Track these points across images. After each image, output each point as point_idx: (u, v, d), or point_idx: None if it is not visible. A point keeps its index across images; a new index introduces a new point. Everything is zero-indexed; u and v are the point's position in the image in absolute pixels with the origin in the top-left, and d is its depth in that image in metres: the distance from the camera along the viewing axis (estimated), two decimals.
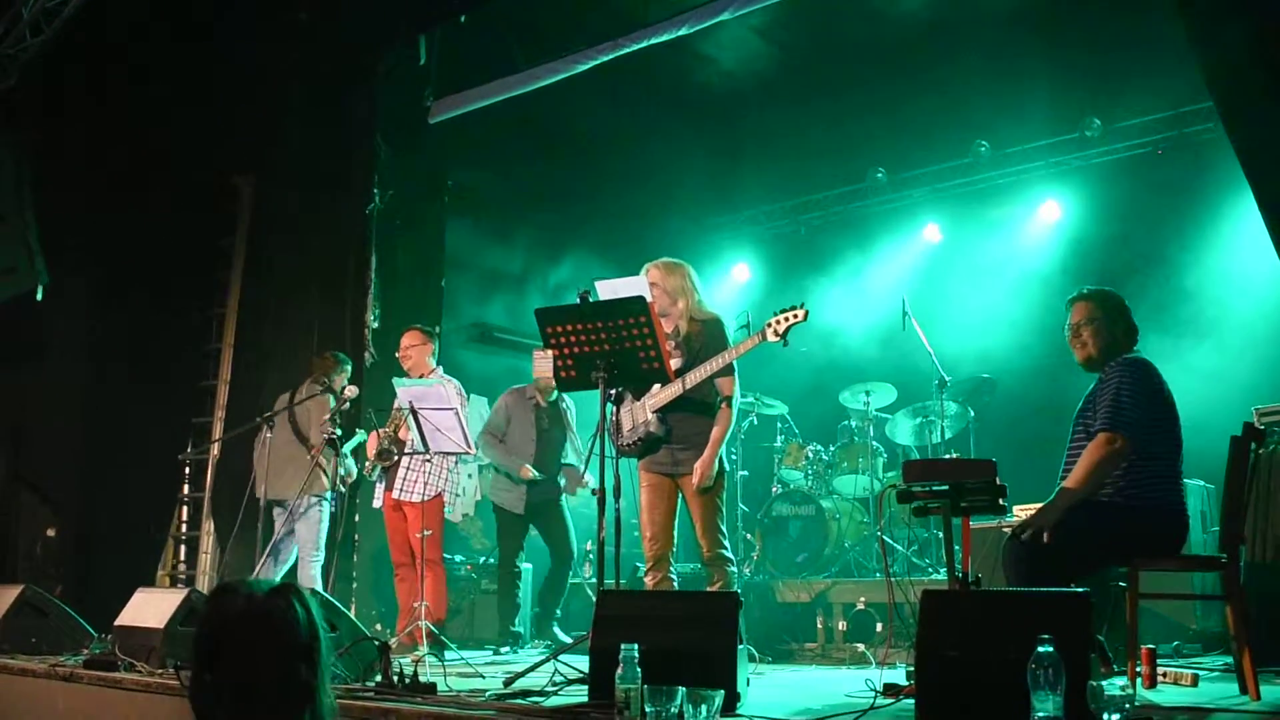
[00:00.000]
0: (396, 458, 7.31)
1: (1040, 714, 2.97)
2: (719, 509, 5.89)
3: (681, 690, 3.48)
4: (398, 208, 9.24)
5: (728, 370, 5.79)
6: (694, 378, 5.70)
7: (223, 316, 9.50)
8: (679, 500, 5.95)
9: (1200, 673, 5.09)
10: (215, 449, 8.99)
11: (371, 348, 8.79)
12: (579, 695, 4.43)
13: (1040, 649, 3.01)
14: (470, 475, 8.97)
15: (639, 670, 3.64)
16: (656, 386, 5.80)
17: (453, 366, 8.52)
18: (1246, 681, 4.46)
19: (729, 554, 5.93)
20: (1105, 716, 2.94)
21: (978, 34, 8.91)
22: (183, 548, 9.43)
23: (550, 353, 5.52)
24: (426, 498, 7.29)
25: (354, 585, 8.34)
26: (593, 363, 5.36)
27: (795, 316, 5.59)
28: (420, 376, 7.35)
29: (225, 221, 9.66)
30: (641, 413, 5.88)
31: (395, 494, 7.30)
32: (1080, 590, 3.63)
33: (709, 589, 5.88)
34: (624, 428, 5.95)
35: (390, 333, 8.81)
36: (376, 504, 7.58)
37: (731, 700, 3.99)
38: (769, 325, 5.66)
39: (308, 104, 9.19)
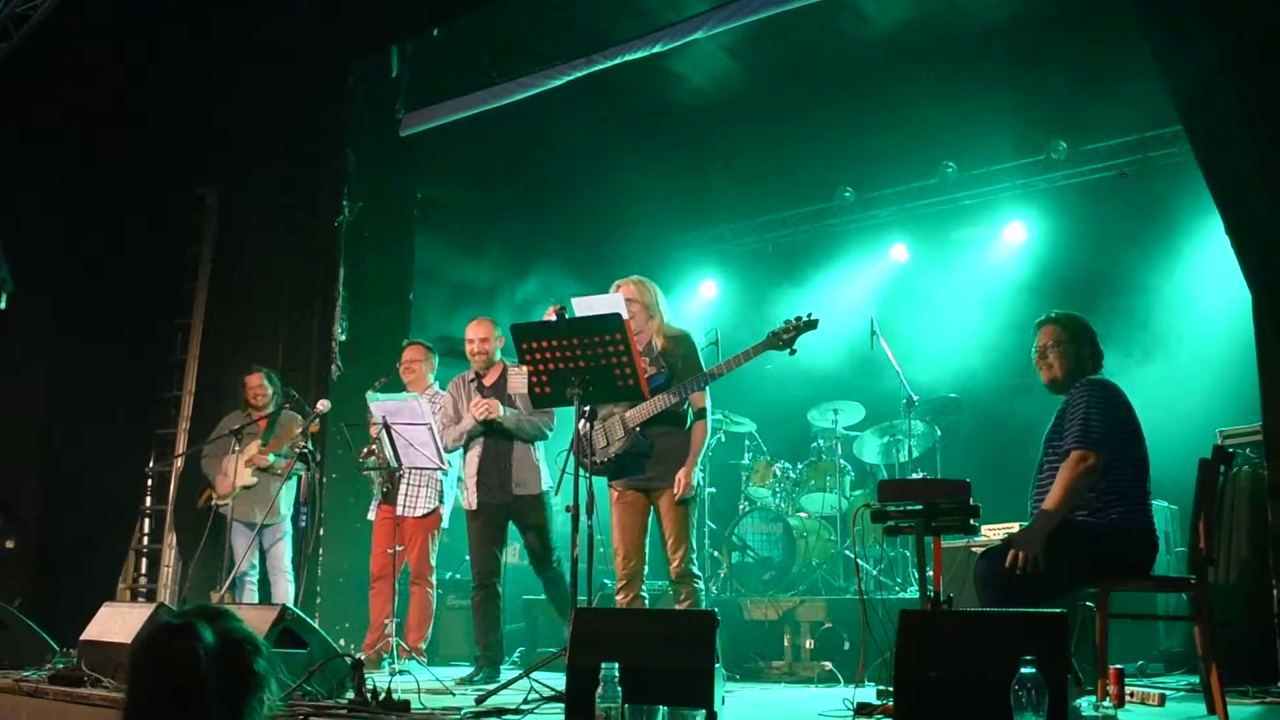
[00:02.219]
0: (398, 471, 7.21)
1: None
2: (692, 525, 5.92)
3: (663, 709, 3.48)
4: (366, 220, 9.19)
5: (704, 383, 5.85)
6: (690, 386, 5.81)
7: (188, 327, 9.40)
8: (651, 516, 5.98)
9: (1166, 692, 5.15)
10: (179, 462, 8.90)
11: (339, 360, 8.74)
12: (554, 714, 4.43)
13: (1023, 669, 3.04)
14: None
15: (620, 689, 3.64)
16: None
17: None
18: (1214, 701, 4.52)
19: (697, 570, 5.96)
20: None
21: (946, 56, 9.00)
22: (144, 560, 9.33)
23: (525, 369, 5.54)
24: (428, 512, 7.39)
25: (318, 600, 8.28)
26: (568, 379, 5.36)
27: (803, 325, 5.74)
28: (419, 393, 7.34)
29: (192, 232, 9.58)
30: (616, 429, 5.90)
31: (399, 510, 7.21)
32: (1058, 610, 3.67)
33: (677, 606, 5.91)
34: (596, 445, 5.96)
35: (357, 346, 8.79)
36: (371, 515, 7.56)
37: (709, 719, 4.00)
38: (777, 335, 5.76)
39: (277, 115, 9.14)
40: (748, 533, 8.55)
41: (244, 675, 2.33)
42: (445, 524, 7.73)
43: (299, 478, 7.89)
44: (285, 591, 7.73)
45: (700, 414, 5.96)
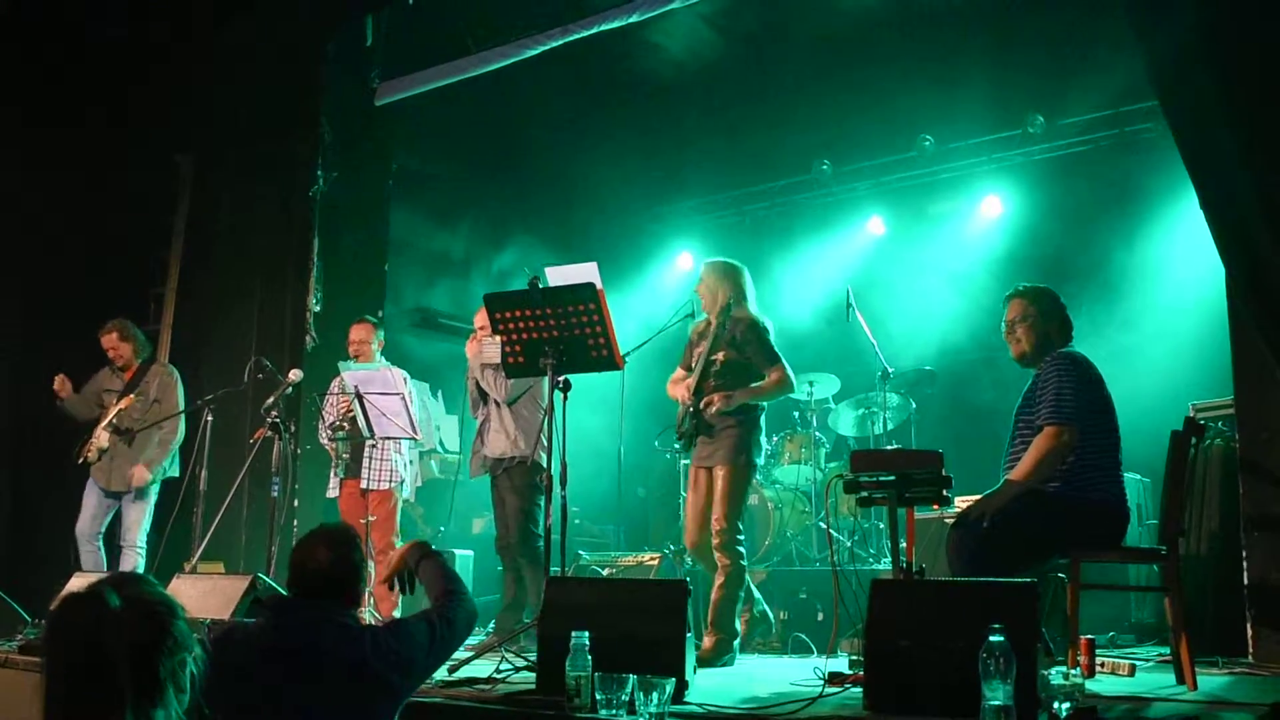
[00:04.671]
0: (358, 440, 7.19)
1: (991, 703, 3.01)
2: (736, 496, 6.10)
3: (632, 678, 3.48)
4: (341, 190, 9.11)
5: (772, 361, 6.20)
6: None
7: (162, 296, 9.33)
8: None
9: (1137, 663, 5.18)
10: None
11: (313, 331, 8.69)
12: (527, 684, 4.43)
13: (991, 638, 3.04)
14: (411, 461, 8.88)
15: (589, 658, 3.64)
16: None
17: (395, 351, 8.47)
18: (1184, 671, 4.55)
19: (740, 545, 6.12)
20: (1055, 705, 2.98)
21: (923, 28, 8.95)
22: None
23: (498, 338, 5.54)
24: (394, 485, 7.33)
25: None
26: (541, 349, 5.37)
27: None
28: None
29: (166, 200, 9.49)
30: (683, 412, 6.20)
31: (364, 483, 7.22)
32: (1028, 580, 3.68)
33: (716, 577, 6.08)
34: (678, 423, 6.29)
35: (332, 316, 8.71)
36: (332, 493, 7.50)
37: (680, 688, 4.00)
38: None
39: (251, 83, 9.06)
40: None
41: (155, 637, 2.28)
42: (407, 495, 7.69)
43: (176, 445, 7.84)
44: (131, 565, 7.63)
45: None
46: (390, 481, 7.31)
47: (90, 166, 9.04)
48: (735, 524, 6.07)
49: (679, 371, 6.50)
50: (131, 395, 7.67)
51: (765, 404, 6.33)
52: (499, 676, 4.67)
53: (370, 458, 7.24)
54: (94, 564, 7.60)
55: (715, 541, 6.04)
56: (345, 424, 7.18)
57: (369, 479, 7.21)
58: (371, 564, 7.23)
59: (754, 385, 6.14)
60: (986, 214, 10.11)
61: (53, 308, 8.95)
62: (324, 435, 7.53)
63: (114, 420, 7.69)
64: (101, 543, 7.80)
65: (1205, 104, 5.52)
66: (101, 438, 7.68)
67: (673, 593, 4.43)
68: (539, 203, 11.15)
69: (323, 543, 3.31)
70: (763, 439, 6.33)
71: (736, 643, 6.03)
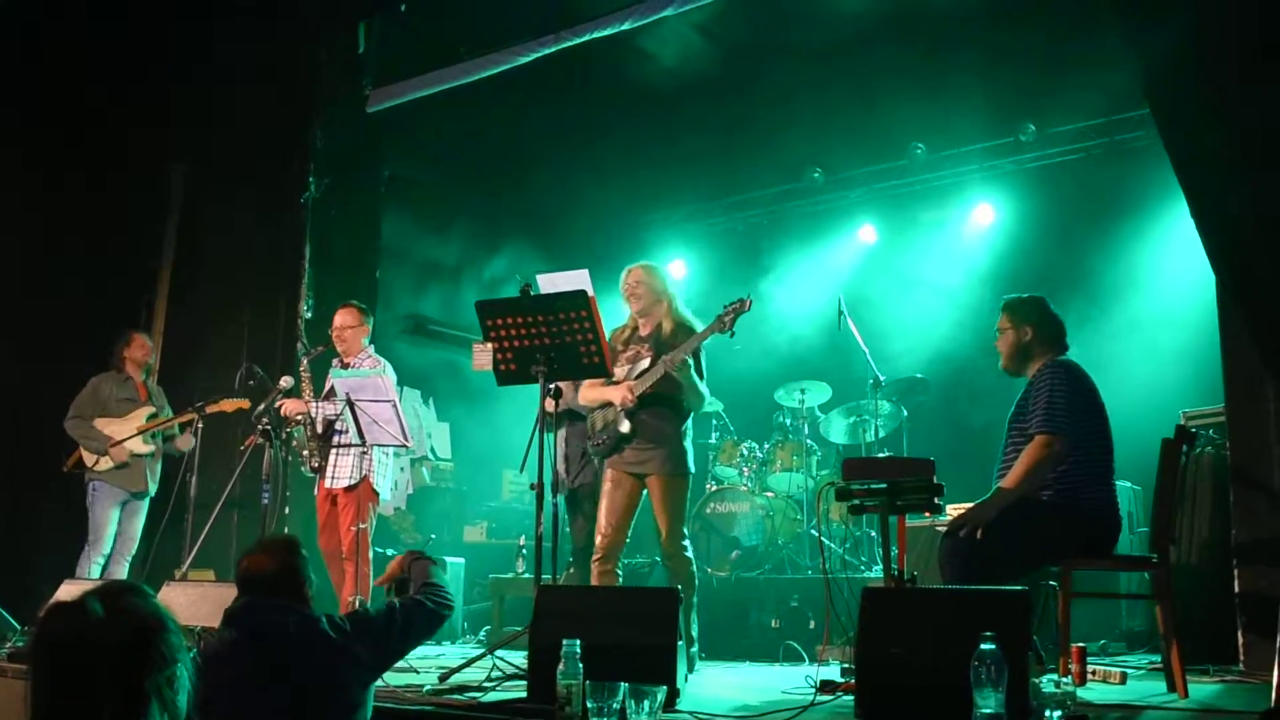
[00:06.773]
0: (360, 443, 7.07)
1: (983, 711, 3.00)
2: (682, 504, 5.97)
3: (624, 686, 3.47)
4: (333, 197, 9.10)
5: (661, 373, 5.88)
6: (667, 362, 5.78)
7: (153, 304, 9.32)
8: (642, 499, 6.03)
9: (1128, 671, 5.19)
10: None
11: (305, 338, 8.67)
12: (518, 691, 4.42)
13: (983, 646, 3.04)
14: (403, 468, 8.88)
15: (580, 666, 3.63)
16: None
17: (387, 358, 8.44)
18: (1175, 679, 4.55)
19: (689, 552, 5.99)
20: (1047, 713, 2.97)
21: (915, 36, 8.96)
22: None
23: (490, 345, 5.53)
24: (353, 481, 7.03)
25: None
26: (533, 356, 5.37)
27: (741, 307, 5.78)
28: (352, 358, 7.22)
29: (158, 208, 9.47)
30: (613, 411, 5.91)
31: (328, 483, 7.09)
32: (1019, 588, 3.68)
33: (672, 582, 5.92)
34: (596, 426, 6.08)
35: (324, 322, 8.69)
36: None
37: (672, 696, 4.00)
38: (720, 318, 5.79)
39: (243, 91, 9.05)
40: (714, 512, 8.56)
41: (140, 651, 2.22)
42: (386, 498, 7.49)
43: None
44: (121, 573, 7.82)
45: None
46: (350, 478, 7.01)
47: (82, 174, 9.01)
48: (683, 531, 5.97)
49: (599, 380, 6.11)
50: (184, 413, 7.88)
51: (693, 411, 6.07)
52: (489, 684, 4.66)
53: (336, 456, 7.02)
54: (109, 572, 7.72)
55: (669, 551, 5.90)
56: (301, 421, 7.09)
57: (332, 477, 7.04)
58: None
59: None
60: (978, 222, 10.12)
61: (45, 316, 8.91)
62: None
63: (162, 430, 7.97)
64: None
65: (1195, 111, 5.54)
66: (134, 443, 7.81)
67: (664, 600, 4.42)
68: (531, 210, 11.13)
69: (265, 551, 3.56)
70: (690, 444, 6.09)
71: (695, 650, 5.91)
